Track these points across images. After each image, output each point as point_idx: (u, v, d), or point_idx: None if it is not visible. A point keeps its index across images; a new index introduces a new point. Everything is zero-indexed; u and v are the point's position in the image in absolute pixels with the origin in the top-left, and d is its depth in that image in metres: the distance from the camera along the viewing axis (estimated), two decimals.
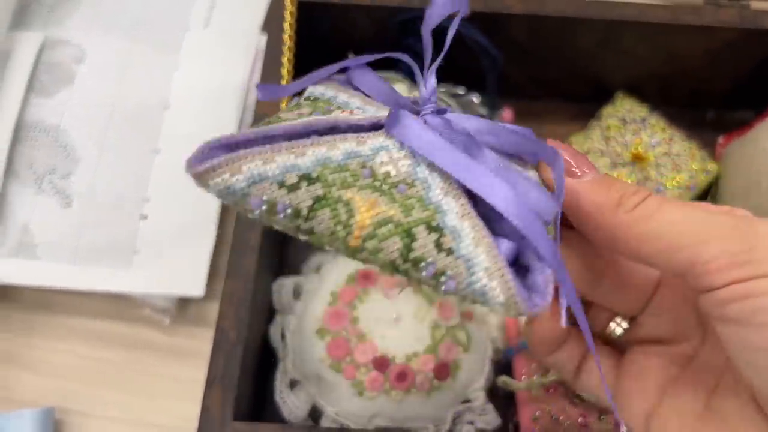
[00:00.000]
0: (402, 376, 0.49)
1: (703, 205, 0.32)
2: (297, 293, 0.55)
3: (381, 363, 0.49)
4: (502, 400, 0.56)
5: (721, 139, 0.68)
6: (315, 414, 0.51)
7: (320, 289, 0.53)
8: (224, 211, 0.63)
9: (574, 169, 0.33)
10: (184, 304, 0.62)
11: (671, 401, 0.34)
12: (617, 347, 0.38)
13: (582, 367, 0.37)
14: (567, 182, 0.32)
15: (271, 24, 0.58)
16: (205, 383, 0.46)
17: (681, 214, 0.30)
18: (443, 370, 0.50)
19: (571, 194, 0.32)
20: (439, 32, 0.60)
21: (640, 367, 0.36)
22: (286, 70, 0.54)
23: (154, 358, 0.61)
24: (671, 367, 0.35)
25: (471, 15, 0.60)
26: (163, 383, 0.60)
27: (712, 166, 0.64)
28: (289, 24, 0.55)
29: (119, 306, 0.62)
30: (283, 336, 0.53)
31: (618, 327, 0.37)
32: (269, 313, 0.56)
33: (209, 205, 0.63)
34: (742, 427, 0.32)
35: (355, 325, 0.50)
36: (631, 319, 0.37)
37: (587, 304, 0.37)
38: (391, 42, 0.62)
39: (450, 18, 0.36)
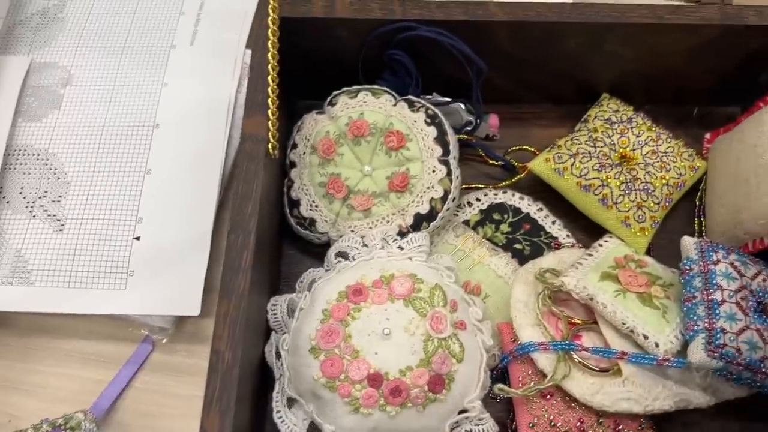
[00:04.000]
0: (396, 391, 0.49)
1: None
2: (291, 311, 0.55)
3: (375, 379, 0.49)
4: (501, 406, 0.56)
5: (708, 136, 0.68)
6: None
7: (312, 307, 0.53)
8: (216, 227, 0.63)
9: None
10: (180, 321, 0.62)
11: None
12: None
13: None
14: None
15: (256, 39, 0.58)
16: (203, 407, 0.46)
17: None
18: (438, 383, 0.50)
19: None
20: (422, 42, 0.60)
21: None
22: (270, 89, 0.54)
23: (152, 376, 0.61)
24: None
25: (454, 24, 0.60)
26: (164, 401, 0.60)
27: (699, 163, 0.64)
28: (272, 42, 0.55)
29: (116, 326, 0.62)
30: (278, 355, 0.53)
31: None
32: (265, 331, 0.56)
33: (202, 224, 0.63)
34: None
35: (348, 342, 0.50)
36: None
37: None
38: (373, 54, 0.62)
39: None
